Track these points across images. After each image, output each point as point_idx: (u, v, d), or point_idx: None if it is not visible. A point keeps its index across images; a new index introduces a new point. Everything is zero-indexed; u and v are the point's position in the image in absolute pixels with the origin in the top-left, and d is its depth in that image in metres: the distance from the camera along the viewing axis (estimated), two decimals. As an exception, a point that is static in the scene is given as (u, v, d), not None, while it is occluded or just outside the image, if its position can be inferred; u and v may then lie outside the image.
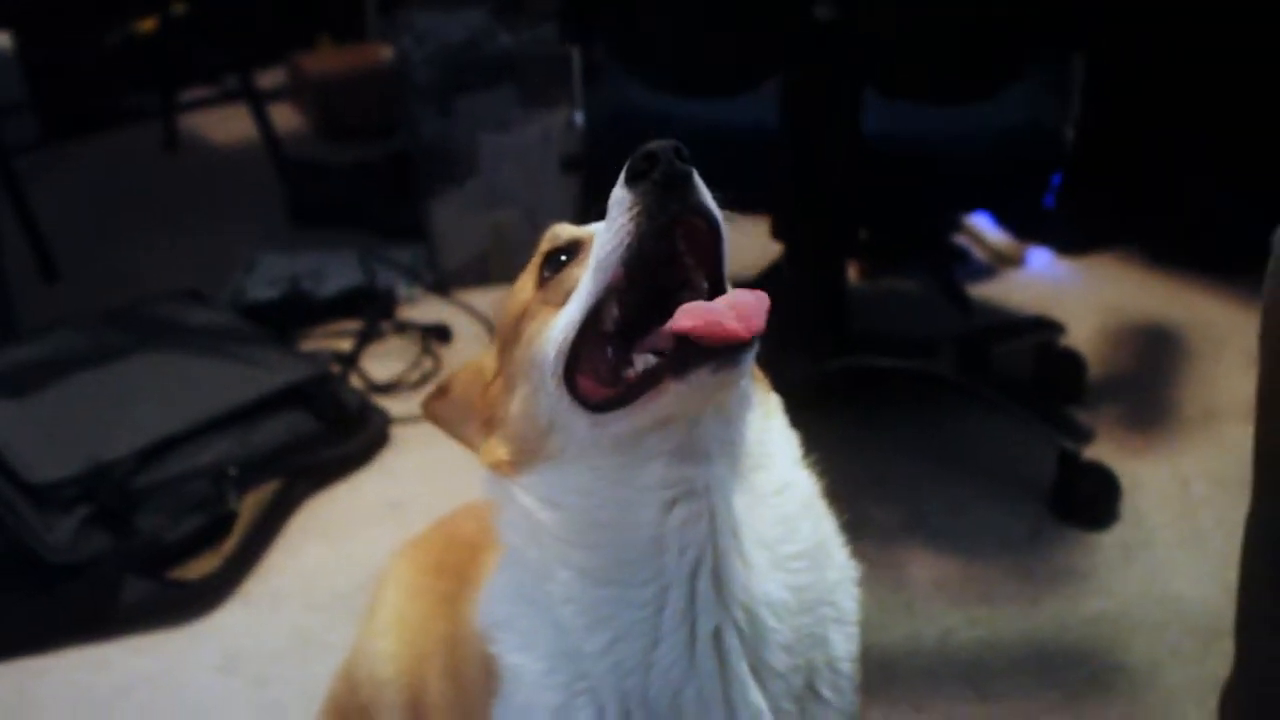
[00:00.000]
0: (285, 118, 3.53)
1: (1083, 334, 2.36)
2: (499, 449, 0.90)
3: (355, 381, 2.25)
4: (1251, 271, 2.49)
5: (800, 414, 1.94)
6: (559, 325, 0.84)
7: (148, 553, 1.72)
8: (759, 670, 0.89)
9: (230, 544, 1.76)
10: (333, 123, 3.42)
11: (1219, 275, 2.60)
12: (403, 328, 2.38)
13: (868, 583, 1.73)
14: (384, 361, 2.34)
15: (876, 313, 2.10)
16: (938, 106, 1.64)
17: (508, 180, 2.47)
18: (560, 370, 0.84)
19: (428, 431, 2.00)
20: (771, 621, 0.88)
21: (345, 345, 2.35)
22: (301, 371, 1.99)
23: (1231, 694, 1.29)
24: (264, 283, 2.57)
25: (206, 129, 3.66)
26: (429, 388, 2.17)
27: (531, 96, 2.40)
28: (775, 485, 0.90)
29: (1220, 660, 1.35)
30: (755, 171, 1.71)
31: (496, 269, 2.57)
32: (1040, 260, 2.66)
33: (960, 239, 2.62)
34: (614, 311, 0.82)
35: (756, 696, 0.88)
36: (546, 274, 0.88)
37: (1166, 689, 1.58)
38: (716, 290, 0.83)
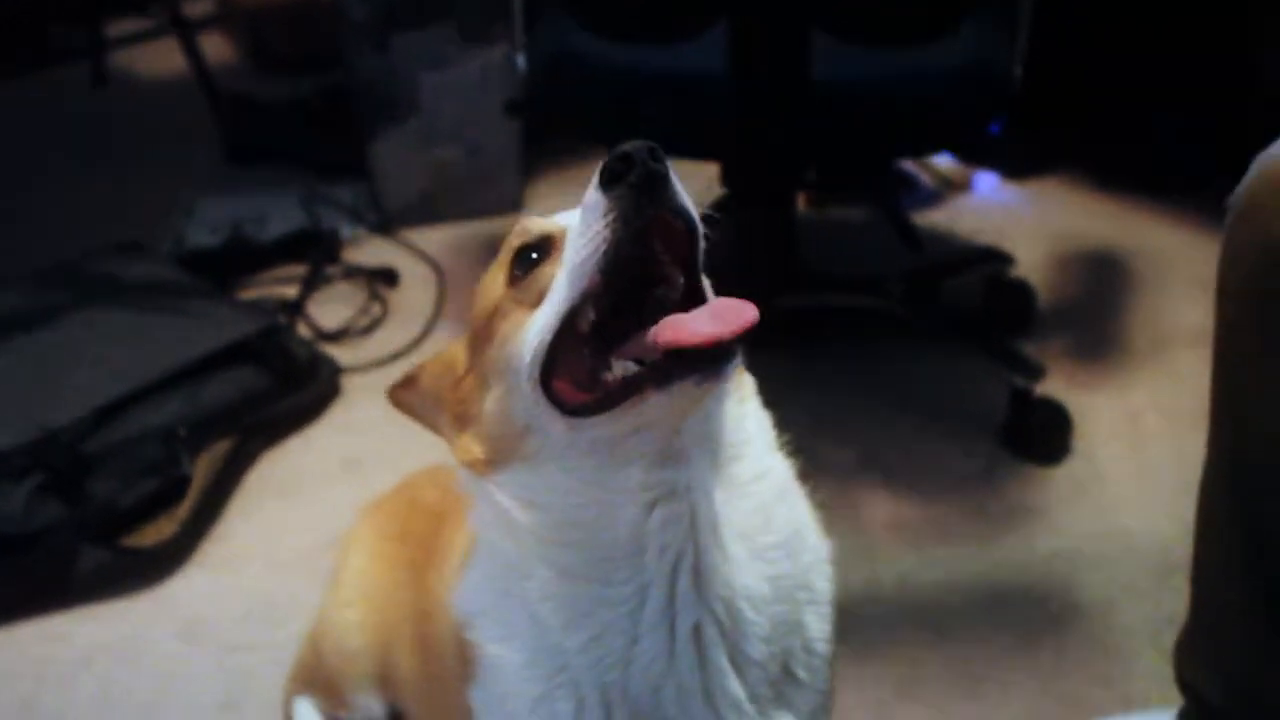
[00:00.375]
0: (216, 48, 3.45)
1: (1031, 261, 2.37)
2: (473, 447, 0.89)
3: (303, 330, 2.22)
4: (1195, 194, 2.53)
5: (752, 354, 1.95)
6: (534, 328, 0.82)
7: (101, 519, 1.70)
8: (737, 661, 0.89)
9: (185, 507, 1.74)
10: (265, 53, 3.34)
11: (1164, 198, 2.62)
12: (349, 273, 2.34)
13: (827, 526, 1.76)
14: (331, 307, 2.32)
15: (825, 246, 2.09)
16: (887, 49, 1.62)
17: (449, 118, 2.43)
18: (537, 374, 0.82)
19: (378, 381, 2.00)
20: (750, 614, 0.89)
21: (290, 291, 2.31)
22: (249, 325, 1.96)
23: (1186, 643, 1.31)
24: (204, 228, 2.53)
25: (137, 64, 3.56)
26: (377, 334, 2.16)
27: (470, 33, 2.35)
28: (752, 474, 0.89)
29: (1172, 596, 1.38)
30: (701, 117, 1.69)
31: (440, 207, 2.54)
32: (987, 185, 2.67)
33: (907, 165, 2.62)
34: (590, 315, 0.80)
35: (735, 686, 0.89)
36: (518, 272, 0.86)
37: (1121, 627, 1.62)
38: (692, 285, 0.82)
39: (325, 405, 2.05)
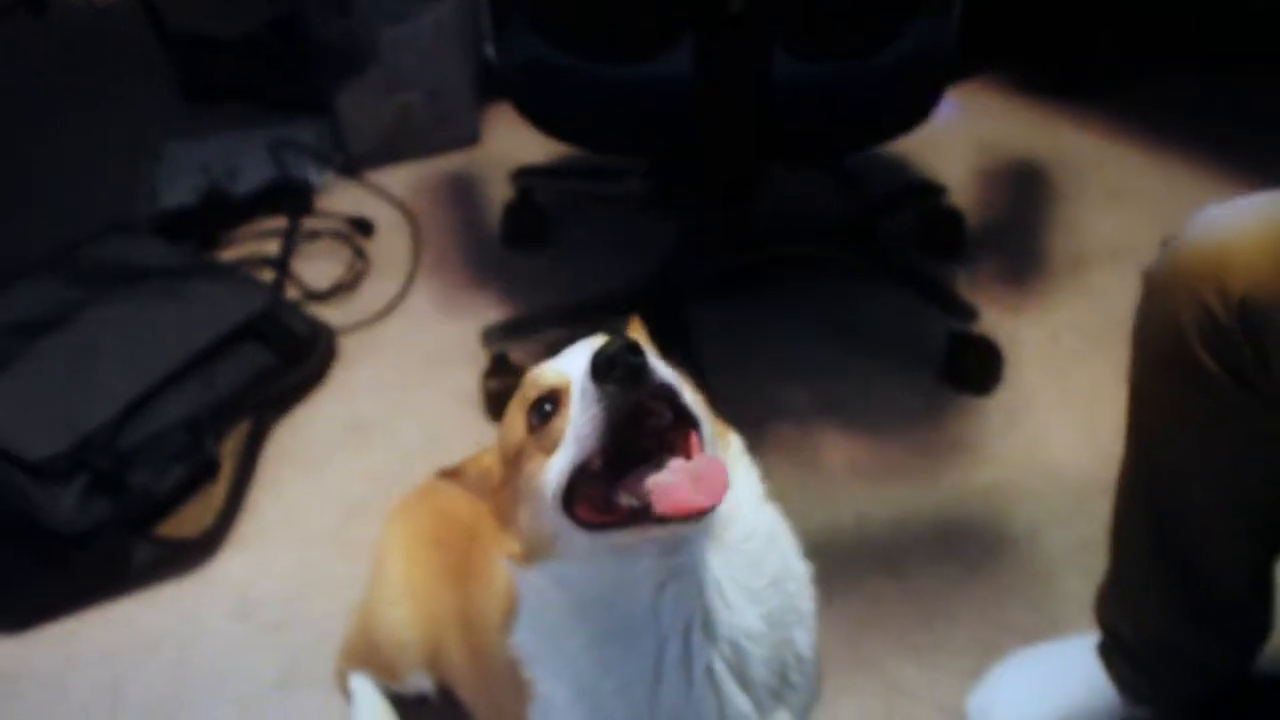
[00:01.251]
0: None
1: (958, 176, 2.56)
2: (513, 545, 1.07)
3: (291, 290, 2.37)
4: (1111, 96, 2.70)
5: (713, 304, 2.15)
6: (552, 471, 0.99)
7: (143, 509, 1.88)
8: (744, 684, 1.10)
9: (218, 494, 1.94)
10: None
11: (1081, 100, 2.79)
12: (322, 234, 2.48)
13: (788, 469, 1.99)
14: (313, 262, 2.47)
15: (772, 195, 2.26)
16: (844, 61, 1.78)
17: (408, 67, 2.55)
18: (559, 505, 0.99)
19: (371, 338, 2.18)
20: (751, 647, 1.09)
21: (270, 247, 2.46)
22: (248, 306, 2.11)
23: (1105, 594, 1.57)
24: (177, 179, 2.64)
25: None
26: (363, 287, 2.30)
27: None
28: (744, 534, 1.07)
29: (1090, 521, 1.58)
30: (668, 122, 1.85)
31: (401, 147, 2.67)
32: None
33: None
34: (597, 462, 0.97)
35: (744, 703, 1.10)
36: (535, 421, 1.02)
37: (1047, 554, 1.85)
38: (680, 418, 0.98)
39: (326, 371, 2.22)
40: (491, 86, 2.62)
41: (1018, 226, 2.47)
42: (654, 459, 0.96)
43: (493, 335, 2.11)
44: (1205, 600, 1.44)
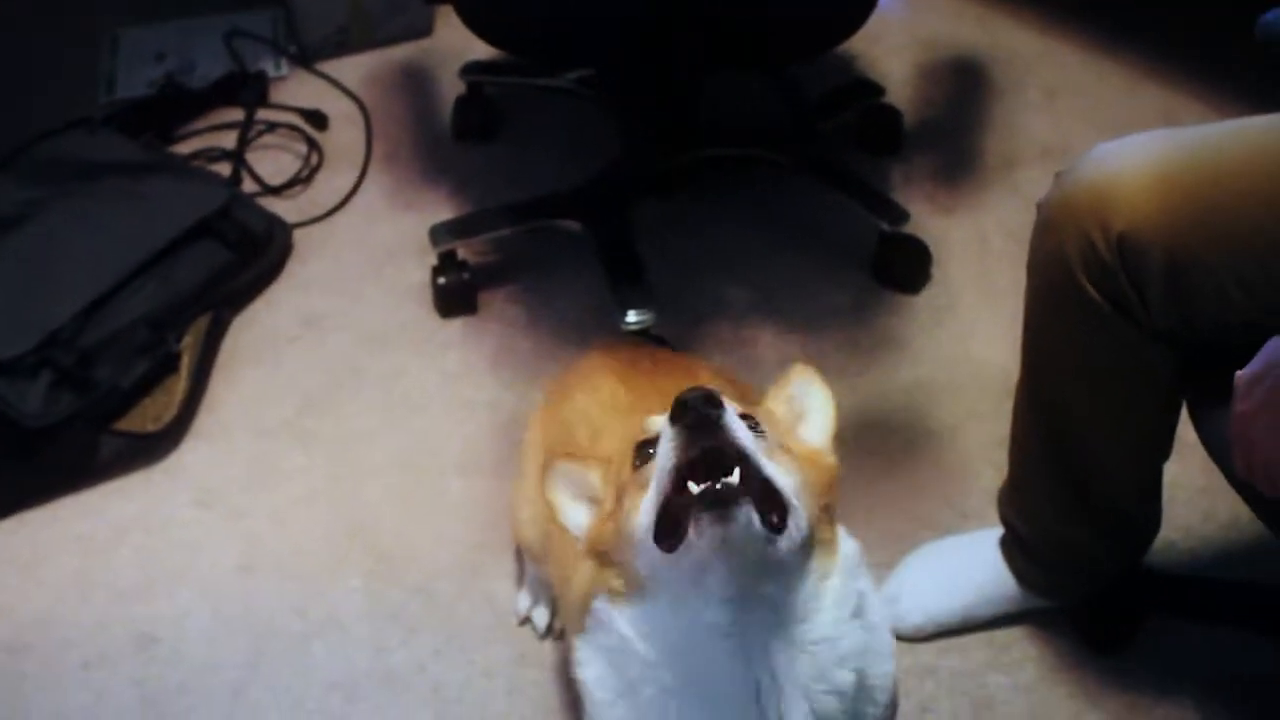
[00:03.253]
0: None
1: (899, 75, 2.63)
2: (614, 582, 1.15)
3: (246, 184, 2.44)
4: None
5: (655, 204, 2.22)
6: (644, 508, 1.08)
7: (107, 403, 1.98)
8: None
9: (180, 387, 2.03)
10: None
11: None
12: (277, 126, 2.54)
13: (724, 362, 2.08)
14: (268, 154, 2.53)
15: (714, 96, 2.33)
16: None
17: (360, -41, 2.59)
18: (649, 535, 1.08)
19: (324, 234, 2.26)
20: None
21: (226, 140, 2.52)
22: (206, 204, 2.18)
23: (1006, 492, 1.70)
24: (133, 68, 2.68)
25: None
26: (316, 180, 2.36)
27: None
28: (814, 637, 1.11)
29: (1006, 419, 1.65)
30: (608, 34, 1.91)
31: (354, 38, 2.72)
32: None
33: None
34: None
35: None
36: (638, 462, 1.12)
37: (964, 449, 1.98)
38: (746, 470, 1.04)
39: (281, 265, 2.30)
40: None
41: (954, 125, 2.54)
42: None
43: (440, 233, 2.19)
44: (1094, 503, 1.57)
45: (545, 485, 1.22)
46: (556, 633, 1.76)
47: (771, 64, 2.28)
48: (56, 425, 1.94)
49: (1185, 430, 1.42)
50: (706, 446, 1.02)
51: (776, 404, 1.24)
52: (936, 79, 2.66)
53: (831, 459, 1.20)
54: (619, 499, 1.13)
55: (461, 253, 2.21)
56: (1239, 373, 1.14)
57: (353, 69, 2.71)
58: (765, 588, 1.08)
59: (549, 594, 1.75)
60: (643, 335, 1.96)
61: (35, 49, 2.79)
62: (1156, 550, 1.71)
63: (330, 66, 2.70)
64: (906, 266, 2.21)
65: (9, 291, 2.02)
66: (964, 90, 2.64)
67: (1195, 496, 1.87)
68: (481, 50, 2.45)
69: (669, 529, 1.06)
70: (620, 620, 1.15)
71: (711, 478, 1.03)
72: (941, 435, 2.01)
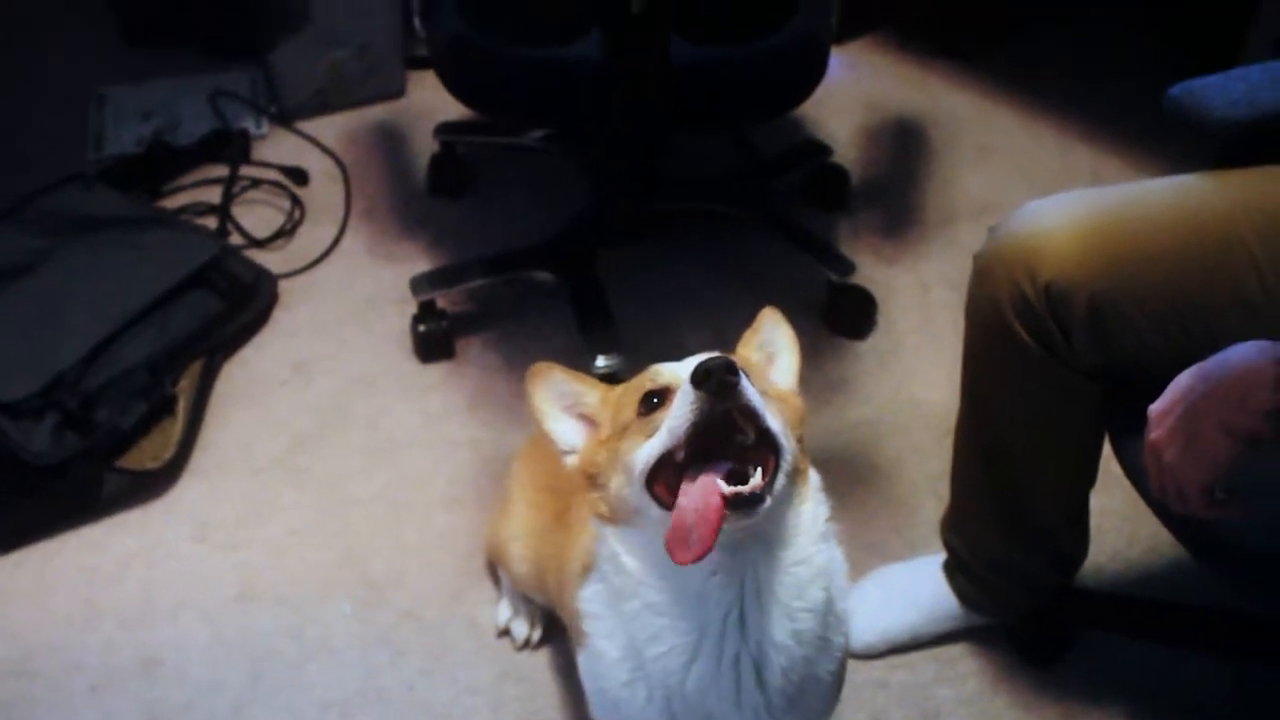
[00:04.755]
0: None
1: (845, 132, 2.82)
2: (600, 506, 1.26)
3: (233, 237, 2.57)
4: (984, 58, 2.95)
5: (621, 254, 2.33)
6: (644, 453, 1.18)
7: (109, 443, 2.10)
8: (761, 683, 1.25)
9: (177, 427, 2.16)
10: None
11: (957, 59, 3.05)
12: (261, 182, 2.68)
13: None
14: (252, 209, 2.67)
15: (674, 154, 2.49)
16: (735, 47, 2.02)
17: (339, 25, 2.74)
18: (643, 483, 1.19)
19: (308, 284, 2.39)
20: (773, 654, 1.23)
21: (211, 195, 2.65)
22: (198, 256, 2.32)
23: (947, 518, 1.86)
24: (120, 126, 2.82)
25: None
26: (299, 233, 2.50)
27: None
28: (794, 559, 1.21)
29: (947, 455, 1.79)
30: (582, 99, 2.08)
31: (332, 99, 2.87)
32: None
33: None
34: (681, 454, 1.16)
35: (758, 699, 1.28)
36: (643, 409, 1.21)
37: (909, 482, 2.14)
38: (762, 436, 1.13)
39: (269, 313, 2.43)
40: (417, 61, 2.82)
41: (896, 182, 2.73)
42: (730, 465, 1.12)
43: (420, 284, 2.34)
44: (1027, 526, 1.72)
45: (532, 390, 1.29)
46: (534, 645, 1.89)
47: (730, 127, 2.46)
48: (62, 463, 2.05)
49: (1112, 464, 1.53)
50: (723, 409, 1.10)
51: (749, 350, 1.34)
52: (880, 139, 2.85)
53: (800, 400, 1.31)
54: (621, 435, 1.20)
55: (440, 302, 2.35)
56: (1151, 406, 1.28)
57: (330, 128, 2.86)
58: (759, 525, 1.16)
59: (527, 607, 1.88)
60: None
61: (25, 105, 2.91)
62: (1087, 572, 1.87)
63: (309, 125, 2.85)
64: (854, 314, 2.38)
65: (17, 336, 2.13)
66: (906, 150, 2.82)
67: (1121, 524, 2.04)
68: (452, 110, 2.63)
69: (673, 484, 1.14)
70: (611, 536, 1.23)
71: (727, 438, 1.13)
72: (887, 470, 2.16)
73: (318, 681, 1.88)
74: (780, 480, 1.16)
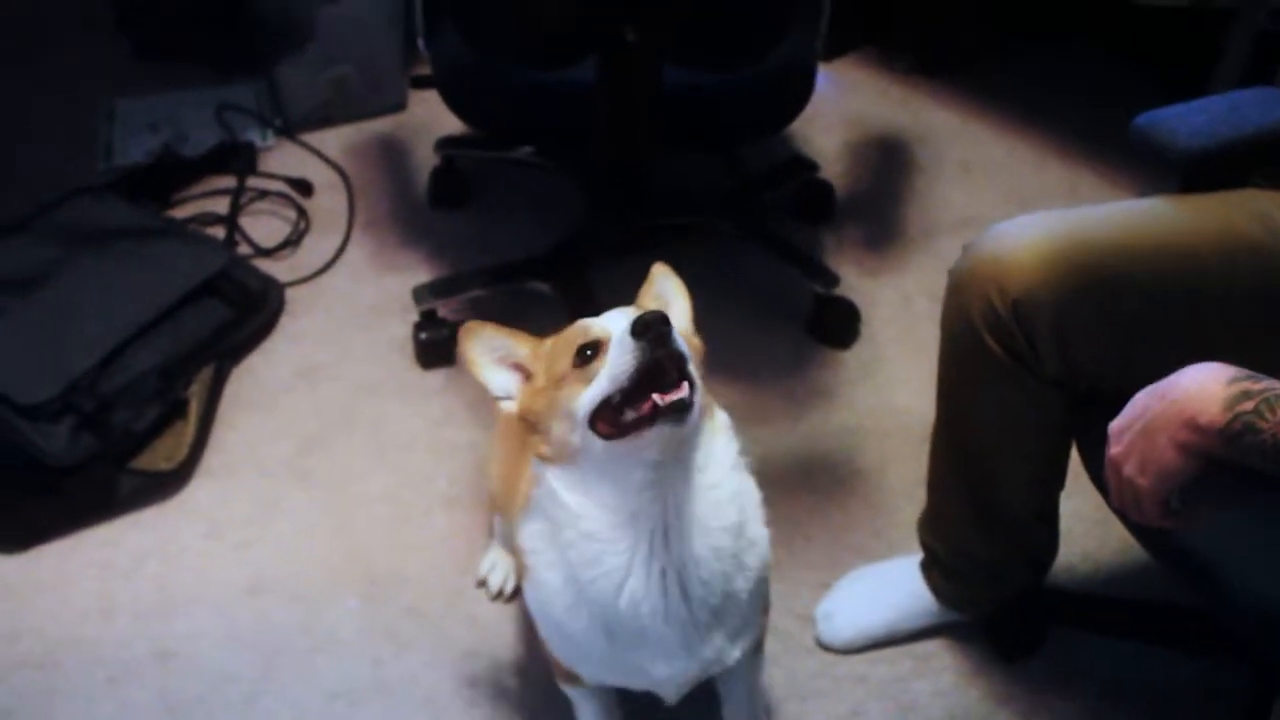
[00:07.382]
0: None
1: (831, 148, 2.91)
2: (542, 448, 1.38)
3: (240, 247, 2.66)
4: (965, 76, 3.04)
5: (615, 265, 2.48)
6: (585, 398, 1.31)
7: (123, 445, 2.19)
8: (686, 594, 1.39)
9: (188, 430, 2.25)
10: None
11: (939, 77, 3.15)
12: (267, 193, 2.77)
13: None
14: (259, 219, 2.76)
15: (666, 171, 2.58)
16: (724, 73, 2.12)
17: (343, 42, 2.84)
18: (586, 423, 1.32)
19: (314, 292, 2.48)
20: (693, 567, 1.38)
21: (218, 205, 2.74)
22: (208, 265, 2.41)
23: (924, 518, 1.95)
24: (129, 138, 2.91)
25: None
26: (305, 243, 2.60)
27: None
28: (710, 483, 1.37)
29: (925, 461, 1.88)
30: (579, 122, 2.18)
31: (335, 112, 2.96)
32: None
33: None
34: (617, 396, 1.29)
35: (683, 611, 1.42)
36: (578, 360, 1.33)
37: (889, 487, 2.23)
38: (683, 376, 1.28)
39: (276, 321, 2.52)
40: (421, 80, 2.91)
41: (880, 197, 2.83)
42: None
43: (422, 293, 2.44)
44: (1001, 526, 1.82)
45: (465, 344, 1.42)
46: (506, 596, 2.01)
47: (721, 146, 2.56)
48: (79, 464, 2.14)
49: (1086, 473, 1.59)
50: (659, 355, 1.25)
51: (648, 301, 1.49)
52: (864, 155, 2.95)
53: (699, 340, 1.45)
54: (558, 385, 1.33)
55: (441, 310, 2.45)
56: (1111, 423, 1.36)
57: (334, 140, 2.96)
58: (682, 451, 1.33)
59: (506, 563, 2.00)
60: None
61: (37, 117, 3.00)
62: (1058, 571, 1.96)
63: (313, 138, 2.94)
64: (838, 325, 2.48)
65: (36, 343, 2.22)
66: (889, 166, 2.92)
67: (1092, 527, 2.13)
68: (452, 125, 2.72)
69: (611, 420, 1.28)
70: (550, 476, 1.36)
71: (662, 381, 1.25)
72: (869, 475, 2.26)
73: (326, 673, 1.97)
74: (697, 400, 1.28)
